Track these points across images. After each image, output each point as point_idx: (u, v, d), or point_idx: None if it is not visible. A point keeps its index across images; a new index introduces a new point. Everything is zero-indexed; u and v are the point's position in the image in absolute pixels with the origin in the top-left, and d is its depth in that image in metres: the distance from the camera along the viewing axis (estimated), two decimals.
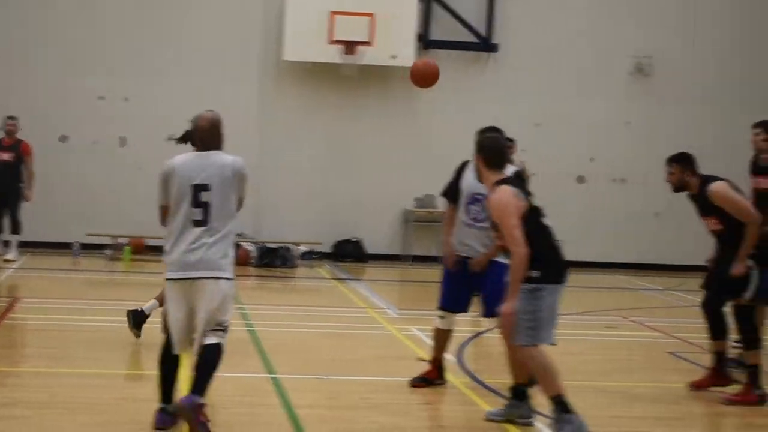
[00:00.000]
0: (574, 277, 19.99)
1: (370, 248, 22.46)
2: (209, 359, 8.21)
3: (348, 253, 22.28)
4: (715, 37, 23.22)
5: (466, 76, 22.65)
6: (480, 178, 9.19)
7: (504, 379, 9.82)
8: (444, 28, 22.59)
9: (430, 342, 12.73)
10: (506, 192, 8.74)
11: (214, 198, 8.31)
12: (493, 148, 9.15)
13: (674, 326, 15.32)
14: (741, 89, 23.15)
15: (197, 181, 8.32)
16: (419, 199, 22.46)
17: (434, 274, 20.92)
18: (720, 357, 10.84)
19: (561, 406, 8.58)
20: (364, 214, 22.47)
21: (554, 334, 8.86)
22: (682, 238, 20.90)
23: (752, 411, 10.06)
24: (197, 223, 8.30)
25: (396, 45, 21.65)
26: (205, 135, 8.49)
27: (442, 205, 22.10)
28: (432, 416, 9.83)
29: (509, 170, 9.30)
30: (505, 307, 8.66)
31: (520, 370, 9.20)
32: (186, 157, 8.46)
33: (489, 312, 10.10)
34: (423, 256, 22.41)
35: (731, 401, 10.29)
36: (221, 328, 8.26)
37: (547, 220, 8.98)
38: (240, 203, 8.52)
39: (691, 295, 18.00)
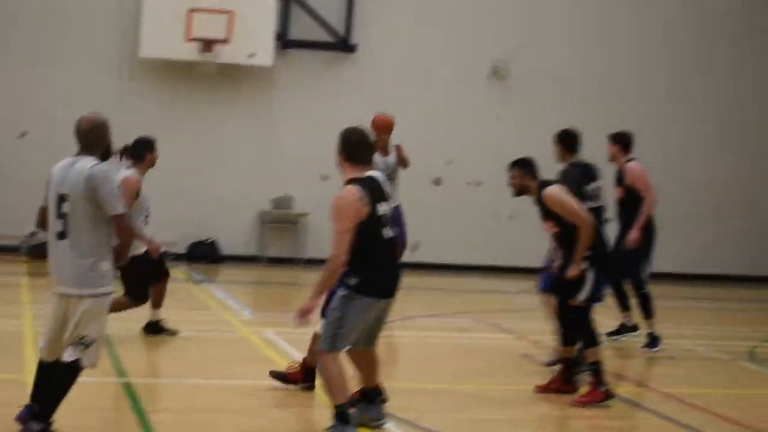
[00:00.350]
0: (429, 280, 20.25)
1: (226, 249, 22.33)
2: (61, 378, 7.95)
3: (203, 254, 22.10)
4: (571, 41, 23.55)
5: (325, 76, 22.67)
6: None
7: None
8: (302, 27, 22.55)
9: (285, 344, 12.73)
10: (350, 193, 8.58)
11: (73, 209, 7.85)
12: (356, 141, 8.91)
13: (527, 328, 15.49)
14: (598, 93, 23.52)
15: (60, 190, 7.91)
16: (275, 199, 22.39)
17: (290, 275, 21.06)
18: (567, 363, 11.03)
19: (342, 416, 8.56)
20: (219, 215, 22.32)
21: (359, 343, 8.78)
22: (536, 240, 21.01)
23: (600, 413, 10.22)
24: (59, 236, 7.91)
25: (254, 44, 21.59)
26: (81, 138, 8.04)
27: (299, 206, 22.29)
28: (286, 419, 9.79)
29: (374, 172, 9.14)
30: (305, 304, 8.61)
31: (368, 374, 9.18)
32: (64, 162, 8.05)
33: None
34: (279, 258, 22.35)
35: (580, 403, 10.45)
36: (83, 343, 7.92)
37: (389, 232, 8.74)
38: (113, 212, 7.85)
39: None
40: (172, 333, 13.16)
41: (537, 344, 13.97)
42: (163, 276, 12.99)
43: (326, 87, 22.57)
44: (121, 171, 12.30)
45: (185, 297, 17.25)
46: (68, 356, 7.92)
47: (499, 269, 22.48)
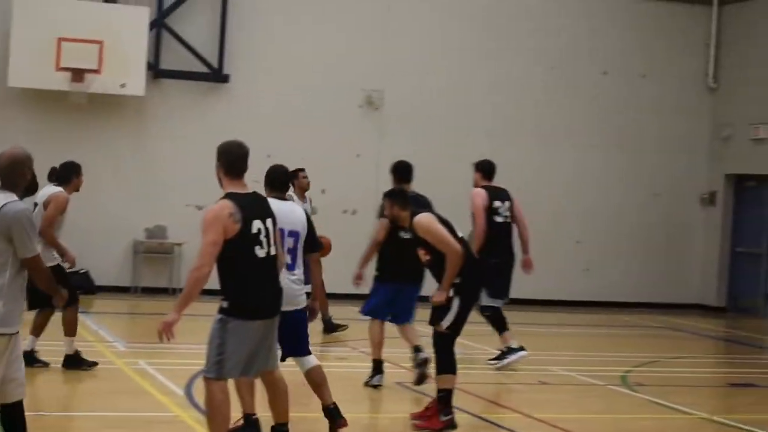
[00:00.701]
0: None
1: (99, 279, 22.10)
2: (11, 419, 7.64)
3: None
4: (441, 72, 23.80)
5: (197, 106, 22.58)
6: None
7: (232, 413, 9.82)
8: (175, 57, 22.45)
9: (159, 376, 12.67)
10: (221, 207, 8.30)
11: None
12: (234, 155, 8.61)
13: (401, 356, 15.58)
14: (466, 122, 23.81)
15: None
16: (149, 229, 22.25)
17: (164, 306, 20.85)
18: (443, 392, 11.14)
19: None
20: (93, 245, 22.03)
21: (249, 368, 8.66)
22: None
23: None
24: None
25: (125, 73, 21.38)
26: (1, 173, 7.68)
27: (173, 236, 22.17)
28: None
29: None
30: (167, 317, 8.36)
31: (278, 410, 9.16)
32: None
33: None
34: (153, 288, 22.20)
35: (419, 427, 10.61)
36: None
37: (262, 252, 8.45)
38: (26, 254, 7.44)
39: (417, 325, 18.37)
40: (45, 364, 13.04)
41: (412, 372, 14.08)
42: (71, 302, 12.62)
43: (199, 117, 22.50)
44: (49, 188, 13.17)
45: (58, 328, 17.05)
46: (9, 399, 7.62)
47: None
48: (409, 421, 10.99)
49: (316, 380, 9.91)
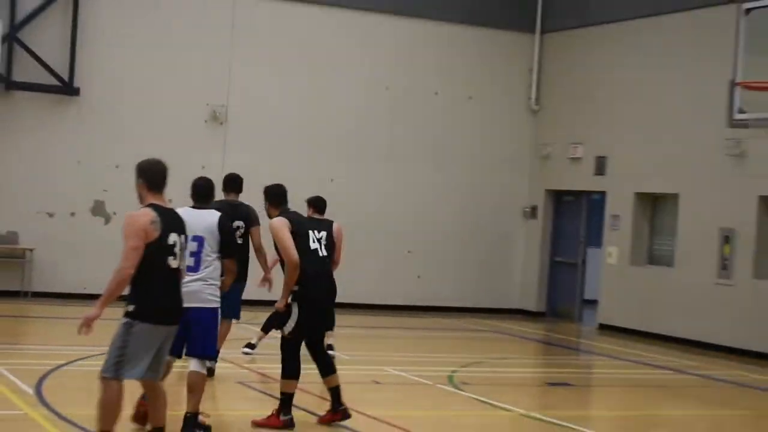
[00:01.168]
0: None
1: None
2: None
3: None
4: (282, 89, 23.81)
5: (48, 117, 22.20)
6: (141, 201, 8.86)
7: (82, 411, 9.70)
8: (26, 70, 22.02)
9: (11, 377, 12.42)
10: (143, 214, 8.53)
11: None
12: (155, 171, 8.97)
13: (245, 357, 15.55)
14: (306, 137, 23.85)
15: None
16: (1, 235, 21.79)
17: (16, 308, 20.52)
18: (333, 392, 11.11)
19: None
20: None
21: (143, 371, 8.60)
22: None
23: None
24: None
25: None
26: None
27: (25, 241, 21.76)
28: None
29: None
30: (90, 312, 8.31)
31: (154, 414, 8.99)
32: None
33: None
34: (5, 291, 21.69)
35: (256, 423, 10.63)
36: None
37: (174, 263, 8.60)
38: None
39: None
40: None
41: (253, 372, 14.08)
42: None
43: (51, 128, 22.16)
44: None
45: None
46: None
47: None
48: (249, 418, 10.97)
49: (191, 385, 9.84)
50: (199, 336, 9.91)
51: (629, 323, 22.78)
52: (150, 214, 8.52)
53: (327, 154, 23.96)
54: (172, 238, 8.59)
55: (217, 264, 10.15)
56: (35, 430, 10.09)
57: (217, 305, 10.12)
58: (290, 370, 10.76)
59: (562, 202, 25.57)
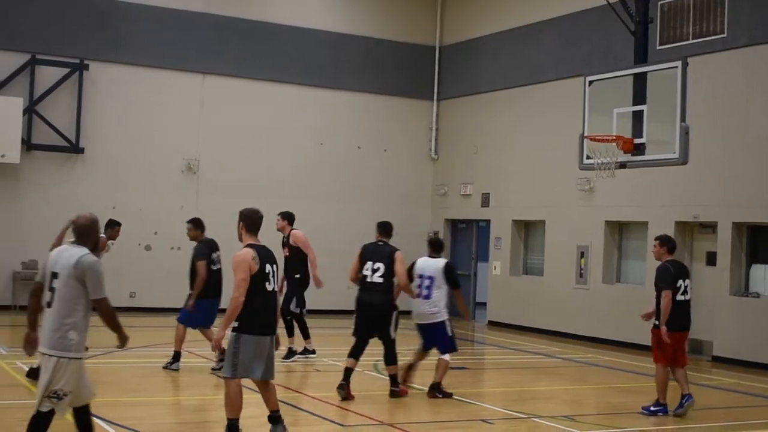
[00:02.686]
0: (145, 320, 19.73)
1: None
2: (38, 425, 7.23)
3: None
4: (241, 145, 23.78)
5: (59, 171, 21.98)
6: (240, 239, 9.01)
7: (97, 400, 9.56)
8: (42, 134, 21.80)
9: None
10: (246, 253, 8.66)
11: (61, 285, 7.13)
12: (253, 218, 9.13)
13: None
14: (259, 183, 23.81)
15: (53, 269, 7.18)
16: (24, 262, 21.51)
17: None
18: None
19: (231, 428, 8.64)
20: None
21: (261, 373, 8.66)
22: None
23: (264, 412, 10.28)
24: (48, 305, 7.24)
25: (4, 147, 20.71)
26: (79, 232, 7.32)
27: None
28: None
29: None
30: (216, 334, 8.93)
31: (269, 401, 9.03)
32: (61, 247, 7.40)
33: None
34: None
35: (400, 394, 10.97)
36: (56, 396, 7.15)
37: (270, 286, 8.71)
38: (97, 294, 7.11)
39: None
40: None
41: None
42: None
43: (61, 179, 21.93)
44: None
45: None
46: (44, 407, 7.16)
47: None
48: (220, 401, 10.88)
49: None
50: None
51: (511, 320, 22.93)
52: (251, 252, 8.70)
53: (275, 195, 23.91)
54: (267, 267, 8.75)
55: None
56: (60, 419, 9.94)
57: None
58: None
59: (458, 228, 25.73)
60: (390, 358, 12.05)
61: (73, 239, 7.37)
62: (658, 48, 18.77)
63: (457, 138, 25.44)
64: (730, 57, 18.06)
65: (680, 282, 11.66)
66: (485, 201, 24.32)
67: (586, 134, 15.05)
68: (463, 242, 25.57)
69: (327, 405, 11.15)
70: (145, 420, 9.76)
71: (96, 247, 7.65)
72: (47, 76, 21.95)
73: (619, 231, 20.78)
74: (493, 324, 23.28)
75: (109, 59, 22.53)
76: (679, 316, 11.62)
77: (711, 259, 18.37)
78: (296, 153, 24.45)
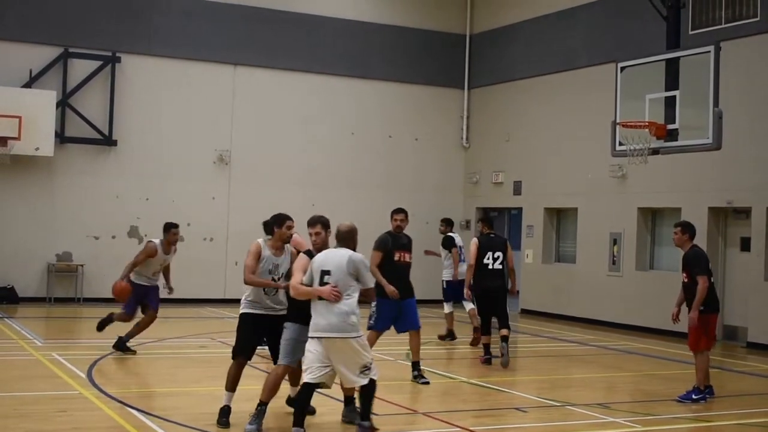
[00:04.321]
0: (174, 310, 19.87)
1: (22, 292, 21.40)
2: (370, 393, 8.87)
3: (3, 297, 21.10)
4: (273, 137, 23.80)
5: (93, 163, 22.11)
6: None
7: (123, 390, 9.59)
8: (76, 127, 21.94)
9: (67, 363, 12.30)
10: (303, 257, 9.00)
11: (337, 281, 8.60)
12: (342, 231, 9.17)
13: None
14: (291, 174, 23.83)
15: (323, 267, 8.66)
16: (59, 254, 21.68)
17: (71, 311, 20.35)
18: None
19: (260, 407, 9.04)
20: (17, 266, 21.45)
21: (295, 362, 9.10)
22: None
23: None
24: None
25: (39, 140, 20.86)
26: (342, 236, 8.97)
27: (77, 259, 21.60)
28: (68, 421, 9.43)
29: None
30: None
31: (295, 380, 9.55)
32: (328, 250, 8.92)
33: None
34: (62, 298, 21.62)
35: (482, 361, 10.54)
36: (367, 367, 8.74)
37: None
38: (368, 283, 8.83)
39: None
40: None
41: (257, 355, 13.95)
42: None
43: (95, 171, 22.07)
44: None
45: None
46: (363, 380, 8.70)
47: (230, 301, 22.28)
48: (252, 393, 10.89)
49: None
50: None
51: (544, 308, 22.84)
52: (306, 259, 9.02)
53: (308, 185, 23.97)
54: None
55: None
56: (87, 404, 10.00)
57: None
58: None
59: (489, 216, 25.59)
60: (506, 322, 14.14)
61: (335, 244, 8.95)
62: (690, 33, 18.57)
63: (489, 126, 25.33)
64: (763, 41, 17.84)
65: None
66: (517, 189, 24.20)
67: (618, 120, 14.92)
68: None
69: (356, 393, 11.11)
70: (179, 410, 9.79)
71: (354, 248, 8.99)
72: (80, 69, 22.06)
73: (652, 218, 20.61)
74: (525, 312, 23.18)
75: (140, 52, 22.63)
76: (714, 298, 11.76)
77: (745, 244, 18.18)
78: (327, 143, 24.45)
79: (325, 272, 8.63)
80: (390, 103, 25.31)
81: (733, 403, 11.62)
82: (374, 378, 8.77)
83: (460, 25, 26.03)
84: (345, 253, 8.74)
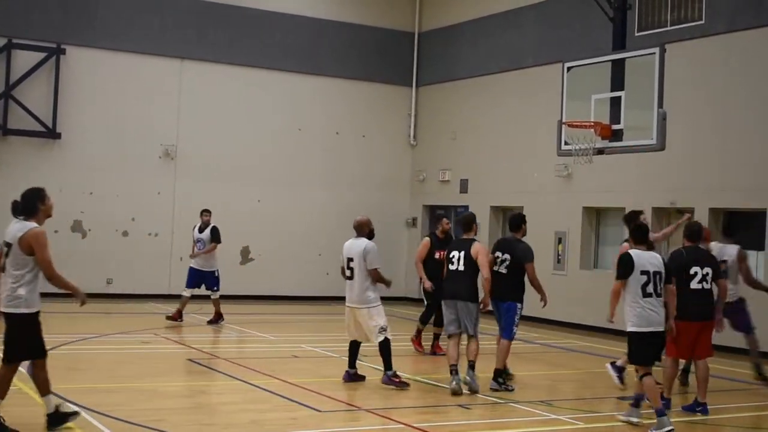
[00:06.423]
0: (121, 306, 19.61)
1: None
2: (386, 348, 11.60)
3: None
4: (219, 132, 23.64)
5: (37, 156, 21.79)
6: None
7: (63, 385, 9.43)
8: (19, 119, 21.61)
9: None
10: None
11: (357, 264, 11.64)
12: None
13: (193, 340, 15.37)
14: (237, 169, 23.69)
15: (347, 255, 11.77)
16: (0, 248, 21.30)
17: None
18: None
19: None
20: None
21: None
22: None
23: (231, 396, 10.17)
24: (348, 278, 11.84)
25: None
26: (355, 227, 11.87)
27: None
28: (6, 416, 9.20)
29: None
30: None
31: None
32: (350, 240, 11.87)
33: None
34: None
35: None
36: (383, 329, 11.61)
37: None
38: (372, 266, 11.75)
39: (207, 316, 18.16)
40: None
41: (200, 351, 13.88)
42: None
43: (38, 165, 21.71)
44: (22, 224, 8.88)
45: None
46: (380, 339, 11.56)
47: (174, 296, 22.09)
48: (198, 387, 10.79)
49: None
50: None
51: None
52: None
53: (255, 180, 23.86)
54: (453, 253, 12.11)
55: None
56: (27, 400, 9.82)
57: None
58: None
59: (435, 214, 25.68)
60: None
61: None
62: (636, 35, 18.74)
63: (436, 124, 25.38)
64: (708, 43, 18.07)
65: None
66: (464, 187, 24.28)
67: (564, 120, 15.01)
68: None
69: (305, 391, 11.08)
70: (122, 406, 9.67)
71: (371, 236, 11.74)
72: (24, 60, 21.74)
73: (597, 217, 20.79)
74: None
75: (86, 44, 22.35)
76: (687, 305, 10.76)
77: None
78: (275, 139, 24.34)
79: (350, 259, 11.56)
80: (338, 100, 25.26)
81: (675, 401, 11.74)
82: (389, 338, 11.52)
83: (409, 23, 26.06)
84: (362, 242, 11.53)
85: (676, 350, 10.93)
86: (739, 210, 17.71)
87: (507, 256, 12.28)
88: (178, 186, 23.07)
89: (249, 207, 23.76)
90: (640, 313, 9.82)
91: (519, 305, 12.28)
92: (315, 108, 24.94)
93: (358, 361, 12.18)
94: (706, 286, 10.87)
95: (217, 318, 17.85)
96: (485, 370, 12.14)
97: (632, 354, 10.07)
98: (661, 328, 9.92)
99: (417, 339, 15.38)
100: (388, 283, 12.06)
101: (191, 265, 18.13)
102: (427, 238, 14.81)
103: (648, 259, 10.00)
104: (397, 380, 11.56)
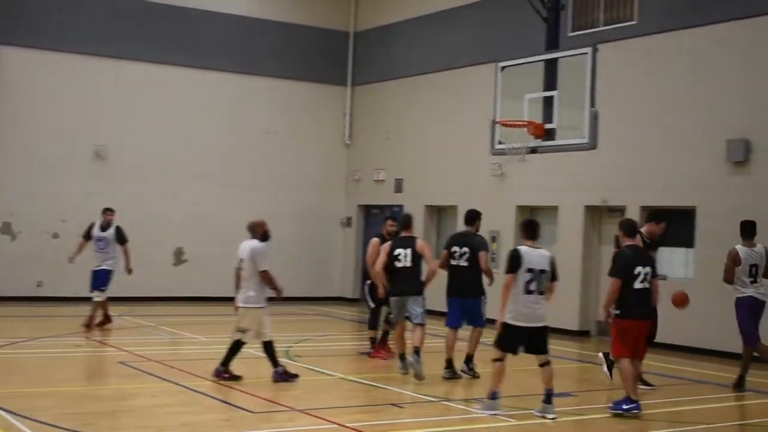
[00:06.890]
0: (50, 308, 19.28)
1: None
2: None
3: None
4: (150, 132, 23.39)
5: None
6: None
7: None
8: None
9: None
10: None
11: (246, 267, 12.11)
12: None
13: (125, 342, 15.15)
14: (168, 168, 23.45)
15: (241, 256, 12.11)
16: None
17: None
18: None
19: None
20: None
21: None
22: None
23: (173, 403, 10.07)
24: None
25: None
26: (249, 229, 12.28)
27: None
28: None
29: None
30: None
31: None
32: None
33: None
34: None
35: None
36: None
37: (399, 264, 12.57)
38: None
39: (139, 318, 17.93)
40: None
41: (131, 354, 13.70)
42: None
43: None
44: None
45: None
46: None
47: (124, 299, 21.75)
48: (125, 391, 10.63)
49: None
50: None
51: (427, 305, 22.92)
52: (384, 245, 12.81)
53: (188, 181, 23.64)
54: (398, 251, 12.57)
55: None
56: None
57: None
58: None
59: (371, 213, 25.69)
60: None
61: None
62: (569, 35, 18.92)
63: (371, 124, 25.38)
64: (640, 43, 18.29)
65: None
66: (398, 187, 24.30)
67: (497, 119, 15.11)
68: (376, 228, 25.39)
69: (237, 392, 10.99)
70: (49, 410, 9.48)
71: (265, 239, 12.00)
72: None
73: (530, 215, 20.92)
74: None
75: (19, 43, 22.01)
76: (632, 304, 10.79)
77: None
78: (209, 139, 24.16)
79: (241, 260, 11.93)
80: (272, 99, 25.13)
81: (603, 396, 11.85)
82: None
83: (345, 22, 26.02)
84: (252, 244, 11.84)
85: (624, 349, 10.75)
86: (669, 208, 17.95)
87: (466, 249, 12.90)
88: (110, 187, 22.73)
89: (183, 208, 23.53)
90: (518, 309, 10.33)
91: (483, 297, 12.73)
92: (250, 108, 24.79)
93: (288, 361, 12.09)
94: (647, 285, 10.88)
95: (105, 321, 17.03)
96: (437, 369, 12.13)
97: (499, 339, 10.57)
98: (535, 325, 10.44)
99: (378, 348, 14.87)
100: (278, 291, 12.20)
101: (92, 268, 17.22)
102: (376, 239, 14.63)
103: (536, 258, 10.39)
104: (288, 376, 11.79)
